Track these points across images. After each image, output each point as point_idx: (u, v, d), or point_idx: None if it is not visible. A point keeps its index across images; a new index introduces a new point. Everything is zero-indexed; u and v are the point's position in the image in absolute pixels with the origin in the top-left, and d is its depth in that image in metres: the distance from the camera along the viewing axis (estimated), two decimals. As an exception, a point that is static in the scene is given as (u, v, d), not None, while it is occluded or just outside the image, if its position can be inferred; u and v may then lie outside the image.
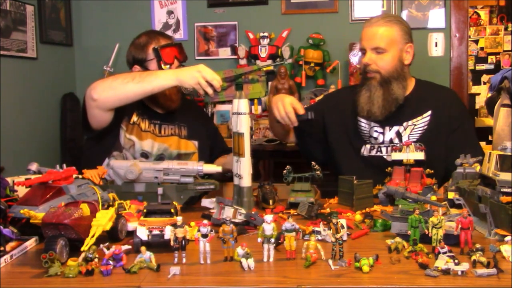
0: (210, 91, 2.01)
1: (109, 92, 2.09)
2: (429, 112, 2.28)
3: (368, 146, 2.31)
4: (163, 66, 2.23)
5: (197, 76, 2.00)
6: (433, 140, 2.22)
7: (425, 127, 2.26)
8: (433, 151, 2.06)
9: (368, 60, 2.22)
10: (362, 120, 2.33)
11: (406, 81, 2.28)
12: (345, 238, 1.48)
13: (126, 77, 2.09)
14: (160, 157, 2.28)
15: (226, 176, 2.20)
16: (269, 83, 3.76)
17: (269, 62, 3.74)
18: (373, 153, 2.28)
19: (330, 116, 2.42)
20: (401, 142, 2.20)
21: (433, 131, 2.25)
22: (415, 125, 2.27)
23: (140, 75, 2.10)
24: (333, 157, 2.40)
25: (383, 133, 2.29)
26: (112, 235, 1.49)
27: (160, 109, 2.36)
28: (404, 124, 2.28)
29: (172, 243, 1.34)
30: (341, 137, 2.38)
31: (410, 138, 2.24)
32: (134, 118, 2.30)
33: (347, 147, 2.36)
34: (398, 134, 2.27)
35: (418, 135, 2.26)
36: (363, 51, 2.25)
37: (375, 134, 2.30)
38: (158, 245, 1.42)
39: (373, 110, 2.23)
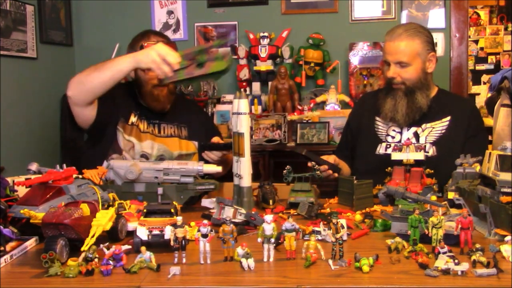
0: (166, 68, 2.00)
1: (79, 86, 2.13)
2: (448, 118, 2.31)
3: (384, 144, 2.35)
4: None
5: (151, 53, 2.00)
6: (449, 144, 2.26)
7: (443, 131, 2.30)
8: (448, 155, 2.08)
9: (392, 74, 2.29)
10: (380, 120, 2.39)
11: (429, 90, 2.34)
12: (345, 238, 1.48)
13: (90, 68, 2.13)
14: (160, 159, 2.27)
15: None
16: (269, 83, 3.77)
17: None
18: (389, 151, 2.30)
19: (354, 123, 2.52)
20: (419, 143, 2.26)
21: (450, 136, 2.29)
22: (433, 127, 2.31)
23: (102, 64, 2.12)
24: (351, 156, 2.47)
25: (400, 133, 2.34)
26: (112, 235, 1.49)
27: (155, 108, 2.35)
28: (423, 126, 2.32)
29: (172, 243, 1.34)
30: (359, 137, 2.45)
31: (427, 139, 2.28)
32: (133, 119, 2.29)
33: (364, 146, 2.41)
34: (416, 135, 2.31)
35: (435, 137, 2.29)
36: (387, 63, 2.30)
37: (392, 133, 2.36)
38: (158, 245, 1.42)
39: (397, 118, 2.29)
